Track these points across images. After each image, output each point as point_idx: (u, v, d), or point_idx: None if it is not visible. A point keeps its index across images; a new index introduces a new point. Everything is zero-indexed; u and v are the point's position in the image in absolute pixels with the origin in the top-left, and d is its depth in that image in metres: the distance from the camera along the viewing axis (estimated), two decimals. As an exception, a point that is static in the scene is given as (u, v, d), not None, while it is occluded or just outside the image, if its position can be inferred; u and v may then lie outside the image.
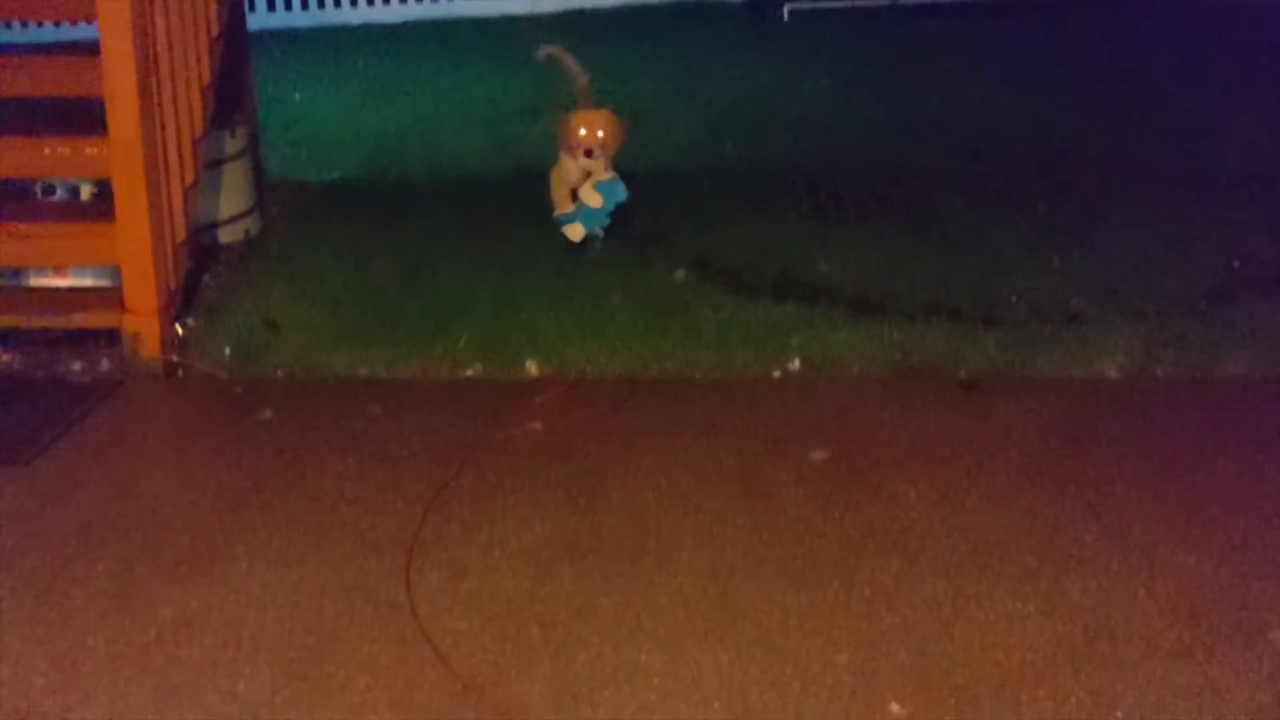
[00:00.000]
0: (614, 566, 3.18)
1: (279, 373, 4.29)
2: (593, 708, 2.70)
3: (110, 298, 4.34)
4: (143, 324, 4.25)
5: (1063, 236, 5.12)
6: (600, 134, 4.90)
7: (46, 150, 4.43)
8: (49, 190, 4.73)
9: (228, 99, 5.09)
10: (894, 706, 2.70)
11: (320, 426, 3.89)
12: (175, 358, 4.30)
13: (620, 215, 4.98)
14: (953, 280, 4.77)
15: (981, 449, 3.71)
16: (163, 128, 4.31)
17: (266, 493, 3.52)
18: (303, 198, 5.71)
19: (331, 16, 9.36)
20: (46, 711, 2.70)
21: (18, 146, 4.45)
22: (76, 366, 4.30)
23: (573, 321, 4.47)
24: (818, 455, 3.69)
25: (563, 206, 5.03)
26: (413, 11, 9.39)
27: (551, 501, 3.46)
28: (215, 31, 4.74)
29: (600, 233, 5.01)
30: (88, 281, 4.51)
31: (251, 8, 8.74)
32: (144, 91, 4.16)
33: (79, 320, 4.34)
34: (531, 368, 4.26)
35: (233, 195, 5.17)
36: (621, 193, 4.98)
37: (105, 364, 4.30)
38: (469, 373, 4.26)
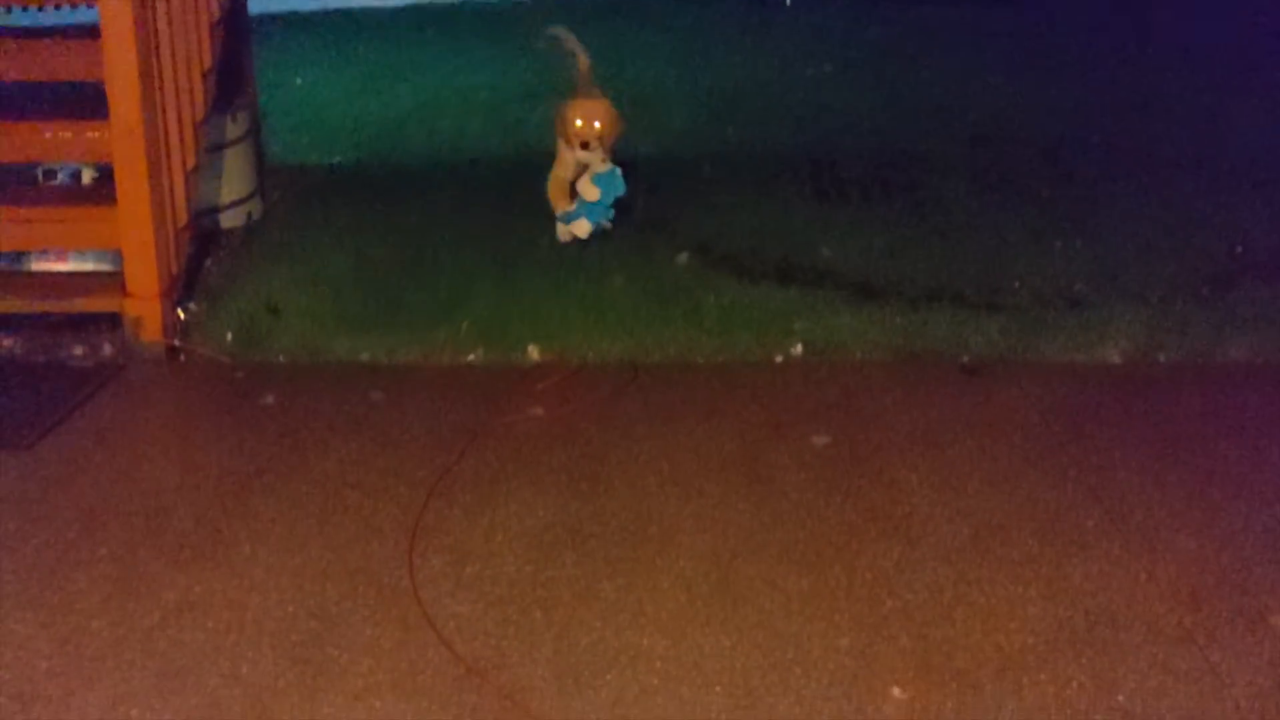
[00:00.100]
0: (616, 551, 3.18)
1: (281, 358, 4.29)
2: (595, 691, 2.71)
3: (112, 282, 4.34)
4: (144, 308, 4.25)
5: (1065, 221, 5.10)
6: (597, 125, 4.78)
7: (48, 134, 4.43)
8: (50, 174, 4.72)
9: (229, 83, 5.08)
10: (895, 690, 2.70)
11: (322, 411, 3.89)
12: (177, 342, 4.30)
13: (622, 201, 4.97)
14: (955, 265, 4.76)
15: (983, 434, 3.71)
16: (164, 112, 4.30)
17: (269, 477, 3.53)
18: (304, 183, 5.69)
19: (333, 1, 9.32)
20: (49, 695, 2.71)
21: (19, 130, 4.45)
22: (78, 351, 4.30)
23: (574, 307, 4.47)
24: (820, 440, 3.69)
25: (563, 206, 4.92)
26: (414, -4, 9.35)
27: (554, 486, 3.47)
28: (216, 15, 4.72)
29: (608, 225, 4.92)
30: (89, 266, 4.50)
31: (252, -8, 8.70)
32: (145, 75, 4.15)
33: (81, 305, 4.34)
34: (533, 353, 4.26)
35: (234, 180, 5.15)
36: (620, 185, 4.88)
37: (107, 349, 4.30)
38: (471, 358, 4.26)
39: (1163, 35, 7.89)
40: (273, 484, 3.49)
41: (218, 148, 5.02)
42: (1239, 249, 4.84)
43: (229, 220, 5.16)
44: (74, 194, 4.64)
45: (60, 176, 4.72)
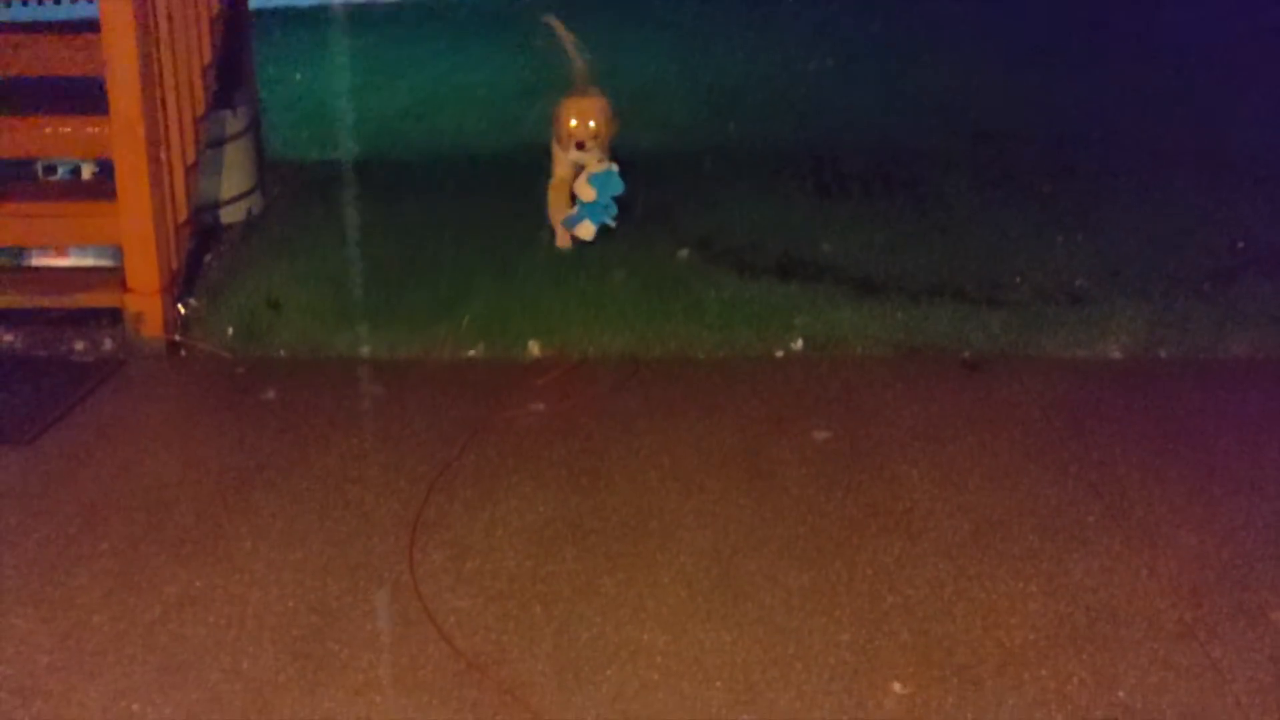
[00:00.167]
0: (616, 546, 3.18)
1: (282, 353, 4.29)
2: (595, 686, 2.71)
3: (112, 278, 4.34)
4: (145, 304, 4.25)
5: (1067, 217, 5.10)
6: (592, 124, 4.72)
7: (48, 129, 4.43)
8: (50, 170, 4.71)
9: (229, 78, 5.07)
10: (896, 686, 2.70)
11: (323, 406, 3.89)
12: (178, 338, 4.30)
13: (622, 197, 4.96)
14: (956, 260, 4.76)
15: (984, 429, 3.71)
16: (164, 107, 4.29)
17: (269, 472, 3.53)
18: (305, 178, 5.69)
19: (333, -4, 9.31)
20: (51, 689, 2.71)
21: (19, 126, 4.45)
22: (79, 346, 4.30)
23: (575, 302, 4.47)
24: (820, 435, 3.69)
25: (564, 212, 4.84)
26: (414, -9, 9.33)
27: (554, 481, 3.47)
28: (216, 11, 4.72)
29: (611, 224, 4.86)
30: (89, 261, 4.51)
31: (253, -13, 8.69)
32: (145, 71, 4.15)
33: (81, 300, 4.34)
34: (534, 348, 4.26)
35: (234, 175, 5.15)
36: (618, 184, 4.82)
37: (108, 344, 4.30)
38: (471, 353, 4.26)
39: (1165, 31, 7.87)
40: (273, 479, 3.49)
41: (218, 143, 5.02)
42: (1240, 244, 4.84)
43: (229, 215, 5.16)
44: (74, 189, 4.64)
45: (60, 172, 4.71)
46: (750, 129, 6.29)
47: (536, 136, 5.37)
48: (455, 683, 2.72)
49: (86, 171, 4.72)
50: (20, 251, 4.52)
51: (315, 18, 8.68)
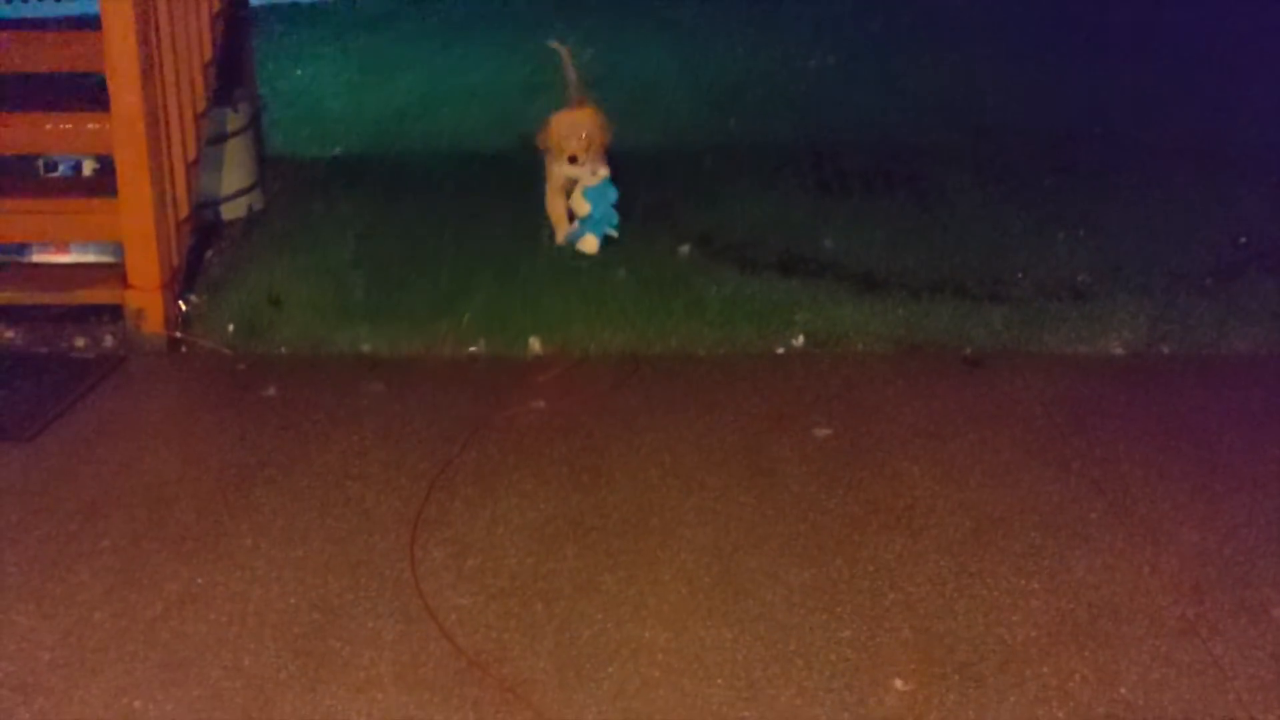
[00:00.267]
0: (617, 543, 3.18)
1: (282, 349, 4.29)
2: (596, 683, 2.71)
3: (113, 274, 4.34)
4: (146, 300, 4.25)
5: (1068, 213, 5.09)
6: (584, 136, 4.66)
7: (48, 126, 4.43)
8: (51, 166, 4.71)
9: (230, 75, 5.07)
10: (897, 683, 2.70)
11: (324, 403, 3.89)
12: (178, 334, 4.30)
13: (623, 193, 4.95)
14: (958, 257, 4.75)
15: (986, 426, 3.70)
16: (165, 103, 4.29)
17: (270, 469, 3.52)
18: (305, 174, 5.69)
19: (333, -8, 9.30)
20: (52, 687, 2.71)
21: (20, 122, 4.45)
22: (80, 343, 4.30)
23: (576, 299, 4.46)
24: (821, 432, 3.68)
25: (563, 213, 4.81)
26: (415, -13, 9.32)
27: (555, 478, 3.46)
28: (217, 7, 4.72)
29: (614, 233, 4.81)
30: (90, 258, 4.50)
31: (253, -17, 8.67)
32: (146, 67, 4.14)
33: (82, 296, 4.34)
34: (535, 345, 4.25)
35: (235, 171, 5.15)
36: (613, 194, 4.78)
37: (109, 340, 4.30)
38: (472, 350, 4.26)
39: (1166, 26, 7.86)
40: (274, 476, 3.49)
41: (219, 139, 5.02)
42: (1243, 240, 4.83)
43: (230, 212, 5.16)
44: (75, 186, 4.64)
45: (61, 168, 4.71)
46: (751, 125, 6.29)
47: (537, 133, 5.37)
48: (456, 680, 2.72)
49: (87, 168, 4.72)
50: (21, 248, 4.52)
51: (316, 14, 8.68)
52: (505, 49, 7.54)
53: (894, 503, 3.34)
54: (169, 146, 4.33)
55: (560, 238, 4.81)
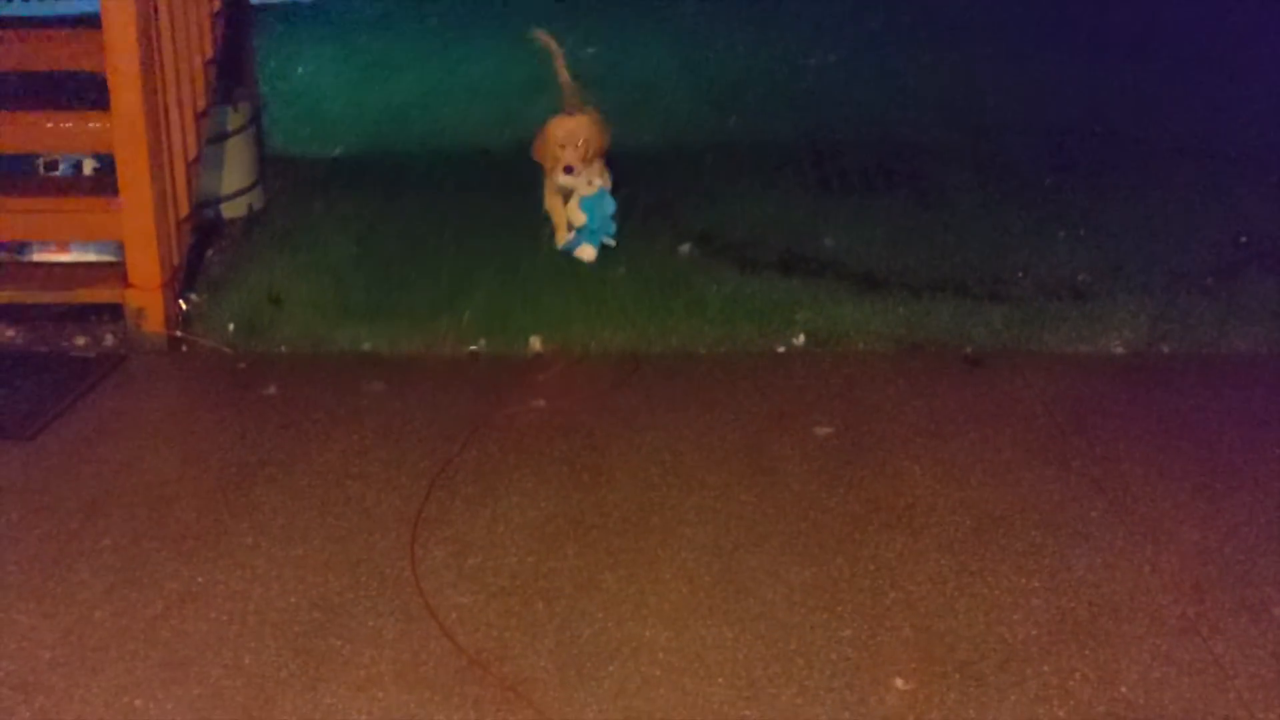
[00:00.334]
0: (618, 542, 3.18)
1: (283, 348, 4.29)
2: (597, 682, 2.71)
3: (114, 273, 4.34)
4: (147, 299, 4.25)
5: (1069, 212, 5.09)
6: (579, 144, 4.57)
7: (49, 125, 4.42)
8: (51, 165, 4.71)
9: (230, 73, 5.07)
10: (898, 681, 2.70)
11: (324, 402, 3.89)
12: (179, 333, 4.30)
13: (624, 192, 4.94)
14: (958, 255, 4.75)
15: (986, 425, 3.70)
16: (165, 102, 4.29)
17: (271, 468, 3.52)
18: (306, 173, 5.69)
19: (334, -10, 9.29)
20: (53, 685, 2.71)
21: (20, 121, 4.44)
22: (80, 342, 4.30)
23: (576, 297, 4.46)
24: (822, 431, 3.68)
25: (562, 213, 4.74)
26: (416, -15, 9.32)
27: (556, 477, 3.46)
28: (217, 5, 4.71)
29: (611, 242, 4.74)
30: (91, 257, 4.50)
31: (254, -18, 8.67)
32: (146, 66, 4.14)
33: (83, 295, 4.34)
34: (535, 344, 4.25)
35: (236, 170, 5.15)
36: (610, 204, 4.72)
37: (109, 339, 4.30)
38: (472, 349, 4.26)
39: (1167, 24, 7.86)
40: (275, 475, 3.49)
41: (219, 138, 5.02)
42: (1243, 239, 4.83)
43: (231, 210, 5.16)
44: (76, 185, 4.64)
45: (62, 167, 4.71)
46: (751, 124, 6.28)
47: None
48: (457, 679, 2.72)
49: (88, 167, 4.72)
50: (22, 246, 4.52)
51: (317, 11, 8.68)
52: (506, 47, 7.53)
53: (895, 501, 3.33)
54: (169, 145, 4.33)
55: (560, 241, 4.77)
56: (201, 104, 4.59)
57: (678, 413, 3.80)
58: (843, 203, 5.28)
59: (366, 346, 4.27)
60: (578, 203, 4.70)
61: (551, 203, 4.79)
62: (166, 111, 4.30)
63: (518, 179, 5.23)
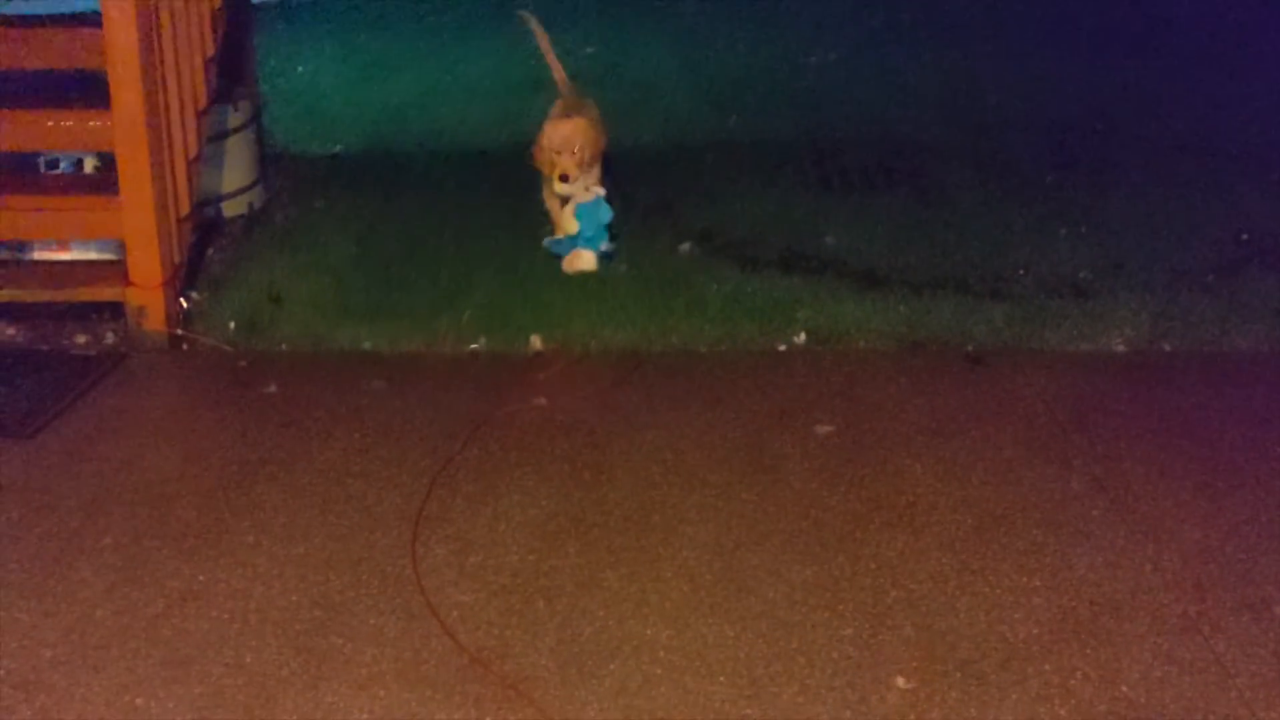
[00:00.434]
0: (619, 540, 3.18)
1: (283, 346, 4.29)
2: (598, 680, 2.70)
3: (114, 271, 4.34)
4: (147, 297, 4.25)
5: (1070, 209, 5.09)
6: (576, 149, 4.42)
7: (49, 123, 4.42)
8: (52, 164, 4.71)
9: (231, 72, 5.07)
10: (899, 680, 2.70)
11: (325, 401, 3.89)
12: (180, 331, 4.30)
13: (625, 191, 4.93)
14: (959, 253, 4.75)
15: (988, 423, 3.70)
16: (166, 101, 4.29)
17: (272, 466, 3.52)
18: (307, 171, 5.69)
19: (334, -12, 9.28)
20: (54, 684, 2.71)
21: (21, 119, 4.44)
22: (81, 340, 4.30)
23: (577, 296, 4.46)
24: (823, 429, 3.68)
25: (560, 213, 4.62)
26: (416, -17, 9.31)
27: (557, 475, 3.46)
28: (218, 3, 4.71)
29: (609, 248, 4.63)
30: (91, 255, 4.50)
31: (254, -20, 8.66)
32: (147, 64, 4.14)
33: (83, 294, 4.33)
34: (536, 342, 4.25)
35: (236, 169, 5.15)
36: (606, 213, 4.58)
37: (110, 338, 4.30)
38: (473, 347, 4.25)
39: (1168, 21, 7.85)
40: (276, 473, 3.49)
41: (220, 136, 5.02)
42: (1245, 237, 4.83)
43: (231, 209, 5.15)
44: (76, 183, 4.64)
45: (62, 166, 4.71)
46: (752, 122, 6.28)
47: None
48: (458, 677, 2.72)
49: (88, 165, 4.71)
50: (22, 245, 4.51)
51: (317, 10, 8.68)
52: (505, 47, 7.53)
53: (896, 500, 3.33)
54: (170, 144, 4.32)
55: (549, 238, 4.68)
56: (202, 102, 4.59)
57: (679, 411, 3.79)
58: (843, 201, 5.28)
59: (367, 345, 4.27)
60: (572, 210, 4.56)
61: (550, 202, 4.74)
62: (167, 110, 4.30)
63: (518, 177, 5.23)
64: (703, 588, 3.00)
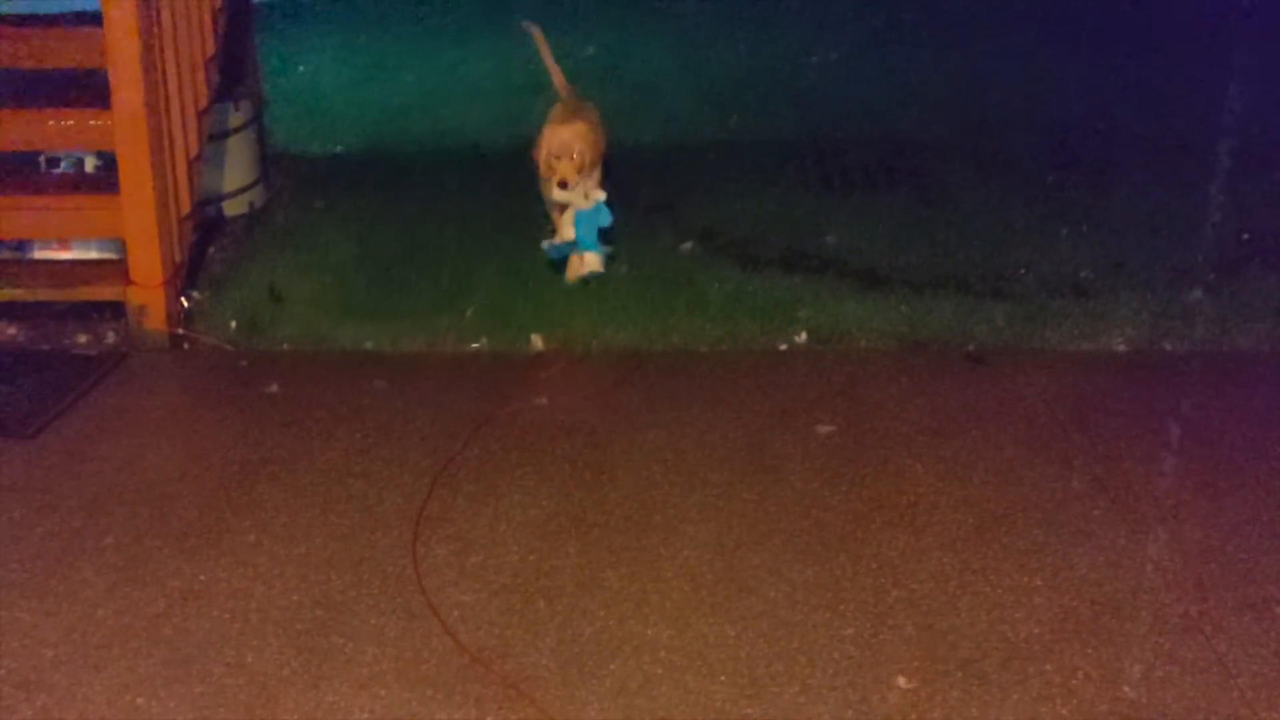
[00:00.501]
0: (620, 540, 3.18)
1: (284, 346, 4.29)
2: (599, 680, 2.70)
3: (115, 270, 4.34)
4: (148, 297, 4.25)
5: (1071, 208, 5.09)
6: (575, 155, 4.30)
7: (50, 122, 4.42)
8: (53, 163, 4.71)
9: (232, 71, 5.07)
10: (900, 680, 2.70)
11: (326, 400, 3.89)
12: (181, 331, 4.30)
13: (626, 190, 4.93)
14: (960, 252, 4.75)
15: (989, 422, 3.70)
16: (167, 100, 4.29)
17: (273, 466, 3.52)
18: (308, 170, 5.69)
19: (335, -12, 9.28)
20: (55, 683, 2.71)
21: (21, 119, 4.44)
22: (82, 339, 4.30)
23: (578, 295, 4.46)
24: (824, 429, 3.68)
25: (561, 226, 4.52)
26: (417, -17, 9.31)
27: (558, 475, 3.46)
28: (219, 3, 4.71)
29: (610, 250, 4.54)
30: (92, 254, 4.50)
31: (255, -21, 8.66)
32: (148, 63, 4.14)
33: (84, 293, 4.34)
34: (537, 341, 4.25)
35: (237, 168, 5.15)
36: (606, 218, 4.44)
37: (111, 337, 4.30)
38: (475, 346, 4.25)
39: (1169, 20, 7.85)
40: (277, 473, 3.49)
41: (221, 135, 5.02)
42: (1246, 236, 4.82)
43: (232, 208, 5.16)
44: (77, 182, 4.64)
45: (63, 165, 4.71)
46: (753, 122, 6.28)
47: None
48: (459, 677, 2.72)
49: (89, 165, 4.71)
50: (23, 244, 4.51)
51: (318, 9, 8.68)
52: (506, 47, 7.52)
53: (897, 500, 3.33)
54: (171, 143, 4.33)
55: (548, 243, 4.55)
56: (203, 101, 4.59)
57: (680, 411, 3.79)
58: (845, 200, 5.27)
59: (368, 344, 4.27)
60: (571, 216, 4.45)
61: (549, 204, 4.66)
62: (168, 109, 4.30)
63: (519, 178, 5.23)
64: (704, 587, 3.00)
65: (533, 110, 5.47)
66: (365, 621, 2.89)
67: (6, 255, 4.52)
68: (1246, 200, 5.09)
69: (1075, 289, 4.48)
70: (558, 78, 4.89)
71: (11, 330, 4.34)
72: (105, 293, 4.31)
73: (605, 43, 7.32)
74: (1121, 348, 4.19)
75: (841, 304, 4.39)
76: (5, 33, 4.76)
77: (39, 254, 4.52)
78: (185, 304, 4.39)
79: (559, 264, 4.56)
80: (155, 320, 4.25)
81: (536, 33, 4.94)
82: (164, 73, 4.26)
